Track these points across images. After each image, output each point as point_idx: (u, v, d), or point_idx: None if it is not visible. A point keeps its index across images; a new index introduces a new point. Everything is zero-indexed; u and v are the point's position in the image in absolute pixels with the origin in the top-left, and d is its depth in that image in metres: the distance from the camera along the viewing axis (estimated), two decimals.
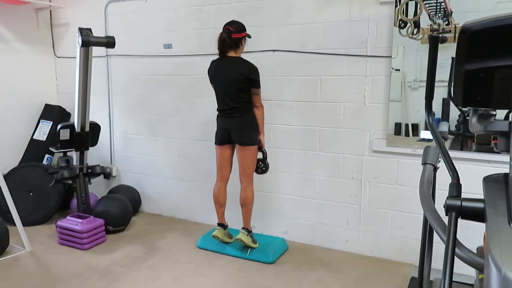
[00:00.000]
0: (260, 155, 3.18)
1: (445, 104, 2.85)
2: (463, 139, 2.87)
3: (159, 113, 4.05)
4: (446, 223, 1.11)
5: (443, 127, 2.87)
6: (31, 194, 3.96)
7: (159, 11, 3.86)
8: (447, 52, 2.56)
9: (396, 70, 2.99)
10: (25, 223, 3.45)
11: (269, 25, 3.38)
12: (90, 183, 3.86)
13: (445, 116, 2.87)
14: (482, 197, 1.08)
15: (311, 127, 3.34)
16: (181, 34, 3.79)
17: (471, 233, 1.68)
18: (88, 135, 3.74)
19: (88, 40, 3.28)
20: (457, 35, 1.25)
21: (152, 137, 4.13)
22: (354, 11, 3.06)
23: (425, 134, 2.99)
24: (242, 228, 3.19)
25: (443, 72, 2.68)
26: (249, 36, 3.07)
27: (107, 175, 4.09)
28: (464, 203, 1.10)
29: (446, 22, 2.74)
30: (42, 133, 4.39)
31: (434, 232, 1.25)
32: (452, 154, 1.28)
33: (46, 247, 3.44)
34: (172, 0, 3.77)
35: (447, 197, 1.14)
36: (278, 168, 3.50)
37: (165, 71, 3.93)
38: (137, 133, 4.22)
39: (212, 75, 3.11)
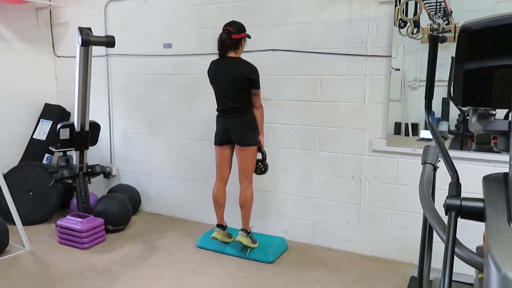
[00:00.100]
0: (259, 156, 3.18)
1: (445, 103, 2.85)
2: (462, 138, 2.87)
3: (159, 112, 4.05)
4: (446, 223, 1.11)
5: (443, 126, 2.87)
6: (31, 193, 3.96)
7: (159, 10, 3.86)
8: (447, 52, 2.57)
9: (396, 69, 2.99)
10: (25, 223, 3.45)
11: (269, 25, 3.38)
12: (90, 183, 3.86)
13: (445, 115, 2.87)
14: (481, 196, 1.08)
15: (311, 127, 3.34)
16: (181, 33, 3.79)
17: (470, 233, 1.68)
18: (88, 135, 3.74)
19: (88, 40, 3.28)
20: (457, 34, 1.25)
21: (152, 136, 4.13)
22: (354, 11, 3.06)
23: (425, 134, 2.99)
24: (241, 229, 3.19)
25: (443, 71, 2.68)
26: (249, 37, 3.07)
27: (107, 175, 4.09)
28: (464, 203, 1.10)
29: (446, 22, 2.74)
30: (42, 133, 4.39)
31: (434, 232, 1.25)
32: (452, 153, 1.28)
33: (46, 247, 3.44)
34: (172, 0, 3.77)
35: (447, 197, 1.14)
36: (278, 167, 3.50)
37: (165, 71, 3.93)
38: (137, 133, 4.22)
39: (212, 76, 3.11)
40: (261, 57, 3.39)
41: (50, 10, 4.50)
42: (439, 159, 1.71)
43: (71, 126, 3.68)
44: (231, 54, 3.01)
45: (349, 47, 3.11)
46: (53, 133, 4.23)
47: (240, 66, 2.98)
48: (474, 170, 2.58)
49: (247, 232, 3.18)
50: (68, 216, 3.51)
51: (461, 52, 1.06)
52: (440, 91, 2.81)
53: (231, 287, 2.83)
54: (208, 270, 3.05)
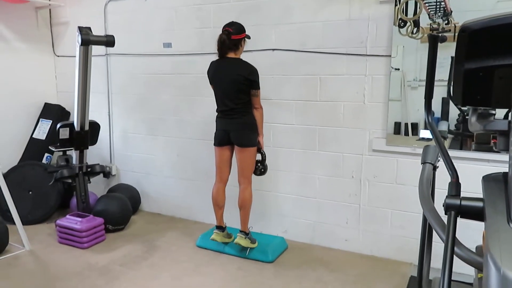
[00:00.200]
0: (259, 157, 3.17)
1: (445, 103, 2.85)
2: (462, 138, 2.87)
3: (158, 112, 4.05)
4: (445, 222, 1.11)
5: (443, 126, 2.87)
6: (30, 193, 3.96)
7: (159, 10, 3.86)
8: (446, 51, 2.57)
9: (396, 69, 2.99)
10: (24, 222, 3.45)
11: (268, 24, 3.38)
12: (90, 182, 3.86)
13: (445, 115, 2.87)
14: (481, 196, 1.08)
15: (311, 126, 3.34)
16: (181, 33, 3.79)
17: (470, 232, 1.68)
18: (88, 134, 3.74)
19: (87, 39, 3.28)
20: (456, 34, 1.25)
21: (152, 136, 4.13)
22: (354, 10, 3.06)
23: (425, 133, 2.99)
24: (240, 231, 3.18)
25: (443, 71, 2.68)
26: (249, 37, 3.06)
27: (107, 174, 4.09)
28: (464, 202, 1.11)
29: (446, 21, 2.74)
30: (42, 132, 4.39)
31: (434, 231, 1.25)
32: (452, 153, 1.28)
33: (45, 246, 3.44)
34: None
35: (447, 196, 1.14)
36: (278, 167, 3.50)
37: (164, 70, 3.93)
38: (136, 132, 4.22)
39: (211, 76, 3.11)
40: (261, 56, 3.39)
41: (50, 10, 4.50)
42: (439, 158, 1.71)
43: (71, 125, 3.68)
44: (231, 54, 3.01)
45: (349, 46, 3.11)
46: (52, 133, 4.23)
47: (240, 67, 2.98)
48: (474, 170, 2.59)
49: (246, 234, 3.17)
50: (67, 216, 3.51)
51: (461, 51, 1.05)
52: (440, 91, 2.81)
53: (231, 286, 2.83)
54: (208, 269, 3.05)
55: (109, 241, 3.53)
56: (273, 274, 2.98)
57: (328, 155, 3.31)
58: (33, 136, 4.40)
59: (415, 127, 3.03)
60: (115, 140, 4.38)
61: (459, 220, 1.10)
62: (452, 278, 1.03)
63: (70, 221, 3.44)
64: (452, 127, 2.87)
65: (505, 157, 1.49)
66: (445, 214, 1.13)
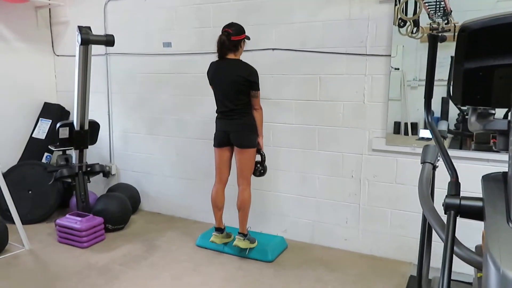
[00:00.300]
0: (258, 158, 3.17)
1: (444, 103, 2.85)
2: (462, 138, 2.87)
3: (158, 111, 4.05)
4: (445, 222, 1.11)
5: (442, 126, 2.87)
6: (30, 192, 3.96)
7: (159, 9, 3.86)
8: (446, 51, 2.56)
9: (396, 69, 2.99)
10: (24, 221, 3.45)
11: (268, 24, 3.38)
12: (90, 182, 3.86)
13: (444, 115, 2.87)
14: (481, 195, 1.09)
15: (311, 126, 3.34)
16: (181, 32, 3.79)
17: (470, 232, 1.68)
18: (87, 134, 3.74)
19: (87, 38, 3.27)
20: (456, 34, 1.25)
21: (152, 135, 4.13)
22: (353, 10, 3.06)
23: (424, 133, 2.99)
24: (238, 233, 3.18)
25: (443, 71, 2.68)
26: (248, 38, 3.06)
27: (106, 174, 4.09)
28: (463, 202, 1.11)
29: (446, 21, 2.74)
30: (41, 132, 4.39)
31: (433, 231, 1.25)
32: (451, 153, 1.28)
33: (45, 245, 3.44)
34: None
35: (446, 196, 1.14)
36: (278, 166, 3.50)
37: (164, 70, 3.93)
38: (136, 132, 4.22)
39: (211, 77, 3.10)
40: (261, 56, 3.39)
41: (50, 9, 4.49)
42: (439, 158, 1.71)
43: (71, 125, 3.68)
44: (231, 55, 3.00)
45: (348, 46, 3.11)
46: (52, 132, 4.22)
47: (240, 68, 2.97)
48: (474, 170, 2.59)
49: (244, 235, 3.17)
50: (67, 215, 3.51)
51: (461, 51, 1.06)
52: (440, 91, 2.81)
53: (230, 286, 2.83)
54: (207, 269, 3.05)
55: (109, 241, 3.53)
56: (272, 274, 2.98)
57: (328, 155, 3.31)
58: (33, 135, 4.40)
59: (414, 126, 3.03)
60: (114, 139, 4.37)
61: (458, 219, 1.10)
62: (452, 278, 1.03)
63: (69, 220, 3.44)
64: (452, 127, 2.87)
65: (504, 156, 1.49)
66: (445, 213, 1.13)
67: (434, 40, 1.24)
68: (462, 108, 2.77)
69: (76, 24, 3.42)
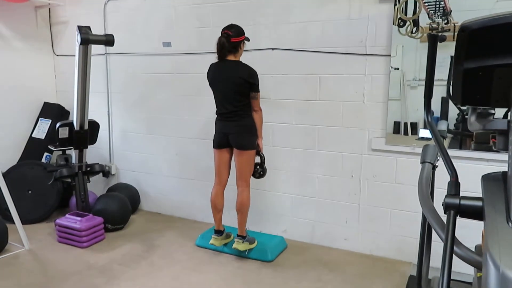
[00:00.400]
0: (258, 159, 3.16)
1: (444, 102, 2.85)
2: (462, 137, 2.88)
3: (158, 111, 4.04)
4: (445, 222, 1.11)
5: (442, 125, 2.88)
6: (30, 192, 3.96)
7: (158, 9, 3.86)
8: (446, 51, 2.57)
9: (395, 68, 2.99)
10: (24, 221, 3.44)
11: (268, 24, 3.38)
12: (89, 181, 3.86)
13: (444, 114, 2.87)
14: (480, 195, 1.09)
15: (310, 126, 3.34)
16: (180, 32, 3.79)
17: (469, 232, 1.69)
18: (87, 133, 3.74)
19: (87, 38, 3.27)
20: (456, 33, 1.25)
21: (151, 135, 4.13)
22: (353, 10, 3.06)
23: (424, 133, 2.99)
24: (237, 235, 3.17)
25: (442, 70, 2.68)
26: (248, 39, 3.05)
27: (106, 173, 4.09)
28: (463, 202, 1.11)
29: (445, 21, 2.74)
30: (41, 131, 4.39)
31: (433, 231, 1.26)
32: (451, 152, 1.28)
33: (45, 245, 3.44)
34: None
35: (446, 196, 1.14)
36: (277, 166, 3.50)
37: (164, 69, 3.93)
38: (136, 131, 4.22)
39: (211, 79, 3.09)
40: (260, 56, 3.39)
41: (49, 9, 4.49)
42: (438, 158, 1.71)
43: (70, 124, 3.68)
44: (230, 57, 3.00)
45: (348, 46, 3.11)
46: (52, 132, 4.22)
47: (240, 70, 2.97)
48: (473, 169, 2.59)
49: (243, 237, 3.16)
50: (67, 215, 3.51)
51: (460, 51, 1.06)
52: (440, 90, 2.82)
53: (230, 286, 2.83)
54: (207, 269, 3.05)
55: (109, 241, 3.53)
56: (272, 274, 2.98)
57: (328, 155, 3.31)
58: (33, 135, 4.40)
59: (414, 126, 3.03)
60: (114, 139, 4.37)
61: (458, 219, 1.10)
62: (452, 277, 1.03)
63: (69, 220, 3.44)
64: (452, 127, 2.87)
65: (504, 156, 1.50)
66: (445, 213, 1.13)
67: (433, 40, 1.24)
68: (462, 108, 2.77)
69: (75, 24, 3.42)
